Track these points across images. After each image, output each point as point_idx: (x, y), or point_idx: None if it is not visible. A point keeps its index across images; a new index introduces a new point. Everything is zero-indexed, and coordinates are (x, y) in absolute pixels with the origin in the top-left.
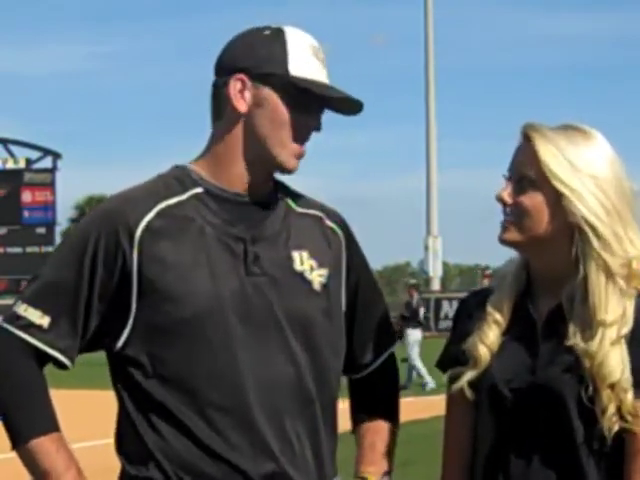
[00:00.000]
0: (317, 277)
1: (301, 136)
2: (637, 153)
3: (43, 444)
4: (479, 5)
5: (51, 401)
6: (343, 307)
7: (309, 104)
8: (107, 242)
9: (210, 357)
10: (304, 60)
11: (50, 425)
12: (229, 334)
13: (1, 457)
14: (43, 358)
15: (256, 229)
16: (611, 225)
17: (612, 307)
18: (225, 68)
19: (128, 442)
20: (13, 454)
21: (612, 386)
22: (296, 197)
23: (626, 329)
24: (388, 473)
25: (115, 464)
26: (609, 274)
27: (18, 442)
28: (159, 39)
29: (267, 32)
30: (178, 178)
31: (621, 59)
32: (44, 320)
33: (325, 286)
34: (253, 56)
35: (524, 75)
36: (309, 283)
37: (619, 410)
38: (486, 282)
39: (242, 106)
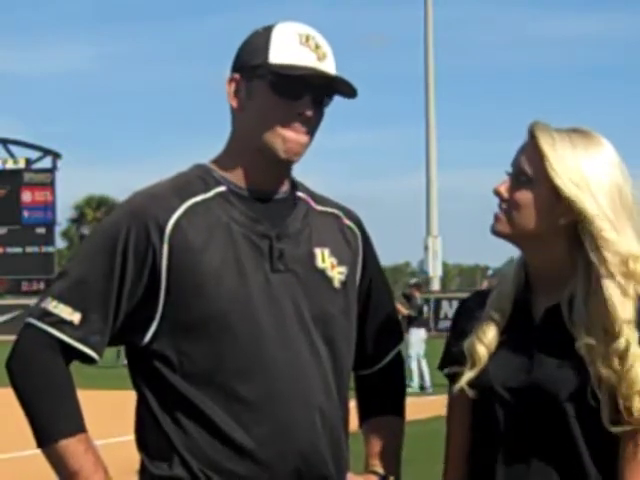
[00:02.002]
0: (337, 275)
1: (290, 123)
2: (637, 153)
3: (71, 445)
4: (479, 5)
5: (78, 400)
6: (356, 306)
7: (292, 89)
8: (137, 238)
9: (239, 353)
10: (286, 47)
11: (78, 425)
12: (257, 330)
13: (1, 457)
14: (69, 355)
15: (280, 226)
16: (607, 228)
17: (627, 306)
18: (230, 73)
19: (150, 438)
20: (13, 454)
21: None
22: (315, 196)
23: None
24: (397, 469)
25: (129, 463)
26: (609, 273)
27: (45, 442)
28: (159, 40)
29: (260, 30)
30: (201, 176)
31: (621, 60)
32: (75, 316)
33: (344, 284)
34: (243, 54)
35: (524, 75)
36: (330, 280)
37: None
38: (485, 284)
39: (234, 103)
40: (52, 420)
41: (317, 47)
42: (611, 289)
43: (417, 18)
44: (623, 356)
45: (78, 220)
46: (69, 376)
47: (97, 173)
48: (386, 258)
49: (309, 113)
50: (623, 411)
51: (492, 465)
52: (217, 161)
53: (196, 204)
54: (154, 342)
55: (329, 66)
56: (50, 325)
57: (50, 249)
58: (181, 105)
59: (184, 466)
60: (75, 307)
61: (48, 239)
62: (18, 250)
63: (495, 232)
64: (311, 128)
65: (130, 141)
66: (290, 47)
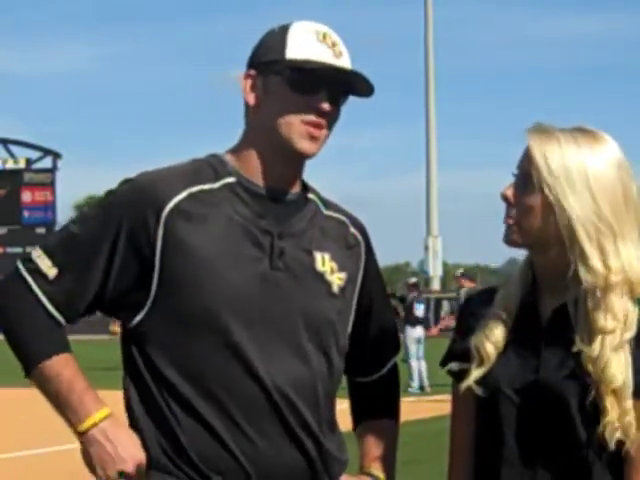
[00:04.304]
0: (337, 280)
1: (308, 117)
2: (637, 153)
3: (47, 369)
4: (479, 5)
5: (55, 328)
6: (353, 313)
7: (309, 83)
8: (134, 215)
9: (224, 348)
10: (303, 43)
11: (51, 348)
12: (245, 327)
13: (1, 457)
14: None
15: (283, 225)
16: (596, 237)
17: (611, 314)
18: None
19: (142, 422)
20: (13, 454)
21: (615, 391)
22: (324, 201)
23: (629, 334)
24: (391, 471)
25: None
26: (590, 286)
27: (27, 372)
28: (159, 40)
29: (276, 28)
30: (213, 166)
31: (621, 60)
32: (51, 271)
33: (343, 290)
34: (259, 51)
35: (524, 75)
36: (329, 285)
37: (620, 418)
38: (466, 285)
39: (251, 99)
40: (28, 348)
41: (334, 45)
42: (590, 301)
43: (417, 18)
44: (595, 361)
45: None
46: (39, 312)
47: (97, 173)
48: (386, 258)
49: (326, 107)
50: (600, 415)
51: (497, 464)
52: (232, 152)
53: (200, 192)
54: (144, 325)
55: (345, 64)
56: (28, 272)
57: None
58: (181, 105)
59: (176, 454)
60: (54, 262)
61: None
62: (18, 250)
63: (509, 242)
64: (328, 123)
65: (130, 141)
66: (307, 43)
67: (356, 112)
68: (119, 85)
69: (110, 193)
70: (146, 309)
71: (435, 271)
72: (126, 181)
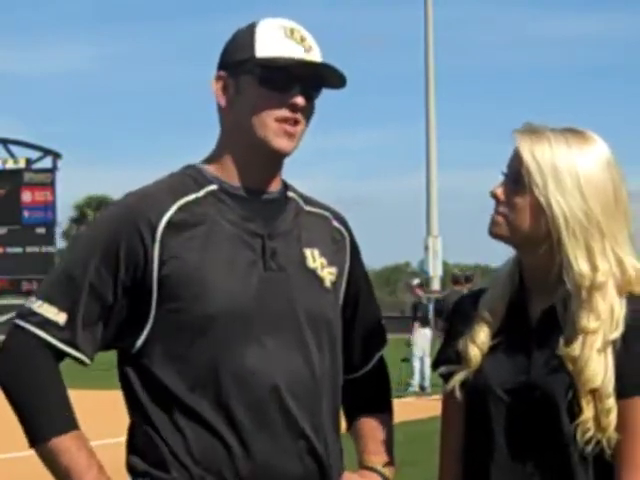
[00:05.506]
0: (328, 275)
1: (281, 115)
2: (637, 153)
3: (63, 443)
4: (479, 5)
5: (69, 398)
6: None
7: (280, 80)
8: (129, 238)
9: (231, 355)
10: (272, 40)
11: (69, 423)
12: (250, 332)
13: (1, 457)
14: (60, 354)
15: (271, 225)
16: (584, 237)
17: (594, 315)
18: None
19: (145, 443)
20: (13, 454)
21: (593, 392)
22: (304, 197)
23: (616, 334)
24: (391, 463)
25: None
26: (575, 287)
27: (37, 441)
28: (159, 40)
29: (243, 27)
30: (192, 176)
31: (621, 60)
32: (60, 317)
33: (335, 284)
34: (228, 52)
35: (524, 75)
36: (321, 280)
37: (597, 418)
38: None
39: (222, 101)
40: (42, 419)
41: (302, 39)
42: (575, 301)
43: (417, 18)
44: (576, 360)
45: (78, 220)
46: (58, 375)
47: (97, 173)
48: (386, 258)
49: (300, 101)
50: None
51: (487, 464)
52: (208, 160)
53: (188, 203)
54: (147, 345)
55: (316, 57)
56: (35, 325)
57: (50, 249)
58: (181, 105)
59: (184, 470)
60: (61, 307)
61: (48, 239)
62: (18, 250)
63: (493, 235)
64: (303, 118)
65: (130, 141)
66: (276, 40)
67: (355, 112)
68: (119, 85)
69: (98, 223)
70: (149, 325)
71: (435, 271)
72: (113, 204)
